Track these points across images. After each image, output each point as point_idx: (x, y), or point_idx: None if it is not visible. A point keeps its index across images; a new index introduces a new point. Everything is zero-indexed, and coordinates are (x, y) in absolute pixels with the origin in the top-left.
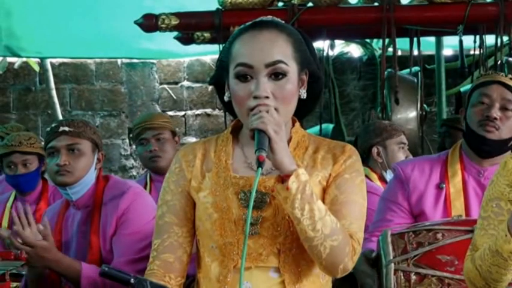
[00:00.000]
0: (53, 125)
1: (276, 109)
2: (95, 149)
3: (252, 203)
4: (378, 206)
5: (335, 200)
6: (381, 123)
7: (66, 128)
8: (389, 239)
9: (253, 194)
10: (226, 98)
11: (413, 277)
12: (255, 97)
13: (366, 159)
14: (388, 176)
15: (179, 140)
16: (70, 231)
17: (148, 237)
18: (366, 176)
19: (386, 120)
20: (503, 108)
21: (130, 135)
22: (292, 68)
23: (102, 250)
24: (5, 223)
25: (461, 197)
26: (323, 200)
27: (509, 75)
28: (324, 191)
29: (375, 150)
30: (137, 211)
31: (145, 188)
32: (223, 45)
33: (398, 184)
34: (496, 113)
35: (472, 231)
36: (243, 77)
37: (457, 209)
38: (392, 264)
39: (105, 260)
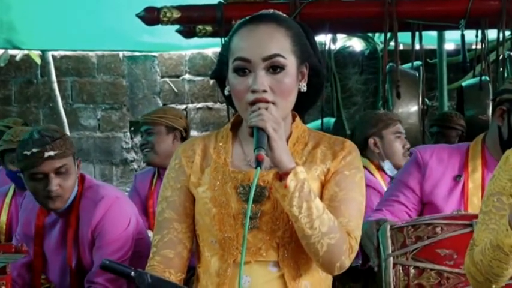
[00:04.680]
0: (35, 150)
1: (274, 103)
2: (75, 160)
3: (251, 201)
4: (390, 186)
5: (334, 196)
6: (377, 113)
7: (52, 153)
8: (388, 233)
9: (253, 190)
10: (226, 92)
11: (412, 271)
12: (253, 91)
13: (363, 150)
14: (386, 166)
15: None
16: (51, 239)
17: (123, 248)
18: (365, 167)
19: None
20: None
21: (132, 129)
22: (290, 61)
23: (82, 260)
24: (3, 217)
25: (479, 193)
26: (321, 195)
27: None
28: (322, 185)
29: (371, 141)
30: (110, 221)
31: (151, 181)
32: (225, 38)
33: (415, 168)
34: None
35: (471, 225)
36: (241, 71)
37: (475, 205)
38: (391, 258)
39: (87, 268)
